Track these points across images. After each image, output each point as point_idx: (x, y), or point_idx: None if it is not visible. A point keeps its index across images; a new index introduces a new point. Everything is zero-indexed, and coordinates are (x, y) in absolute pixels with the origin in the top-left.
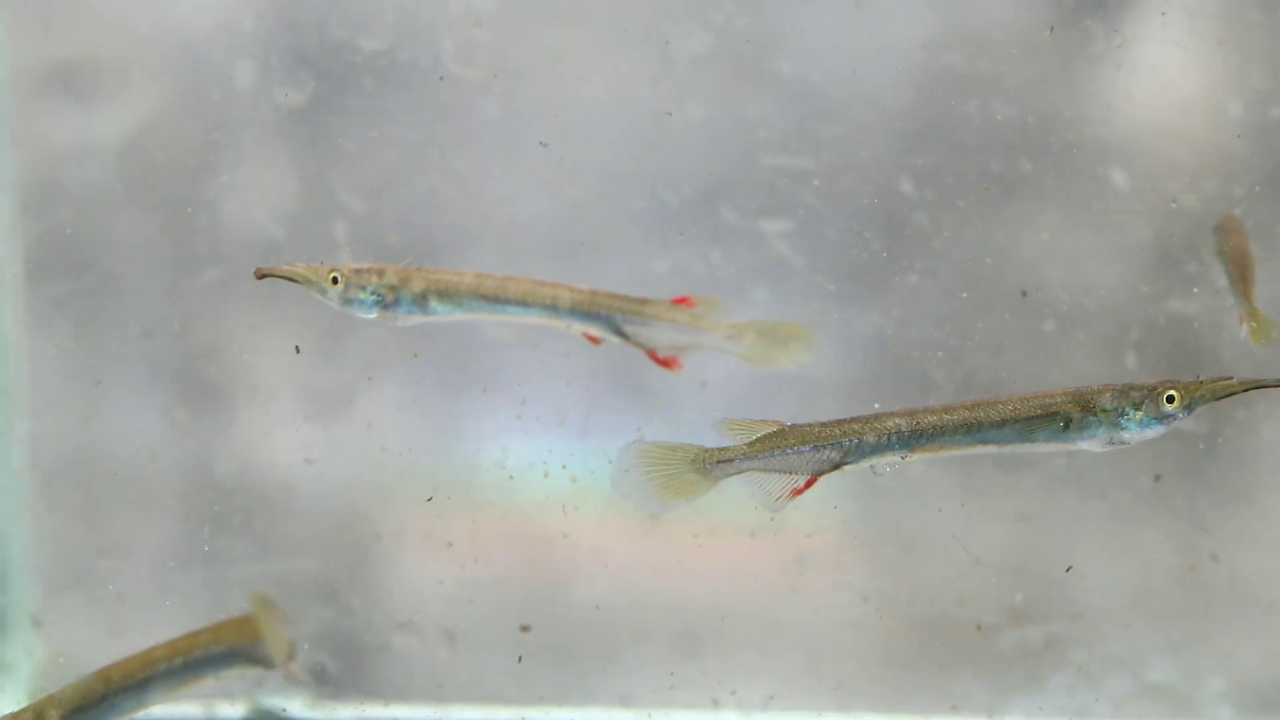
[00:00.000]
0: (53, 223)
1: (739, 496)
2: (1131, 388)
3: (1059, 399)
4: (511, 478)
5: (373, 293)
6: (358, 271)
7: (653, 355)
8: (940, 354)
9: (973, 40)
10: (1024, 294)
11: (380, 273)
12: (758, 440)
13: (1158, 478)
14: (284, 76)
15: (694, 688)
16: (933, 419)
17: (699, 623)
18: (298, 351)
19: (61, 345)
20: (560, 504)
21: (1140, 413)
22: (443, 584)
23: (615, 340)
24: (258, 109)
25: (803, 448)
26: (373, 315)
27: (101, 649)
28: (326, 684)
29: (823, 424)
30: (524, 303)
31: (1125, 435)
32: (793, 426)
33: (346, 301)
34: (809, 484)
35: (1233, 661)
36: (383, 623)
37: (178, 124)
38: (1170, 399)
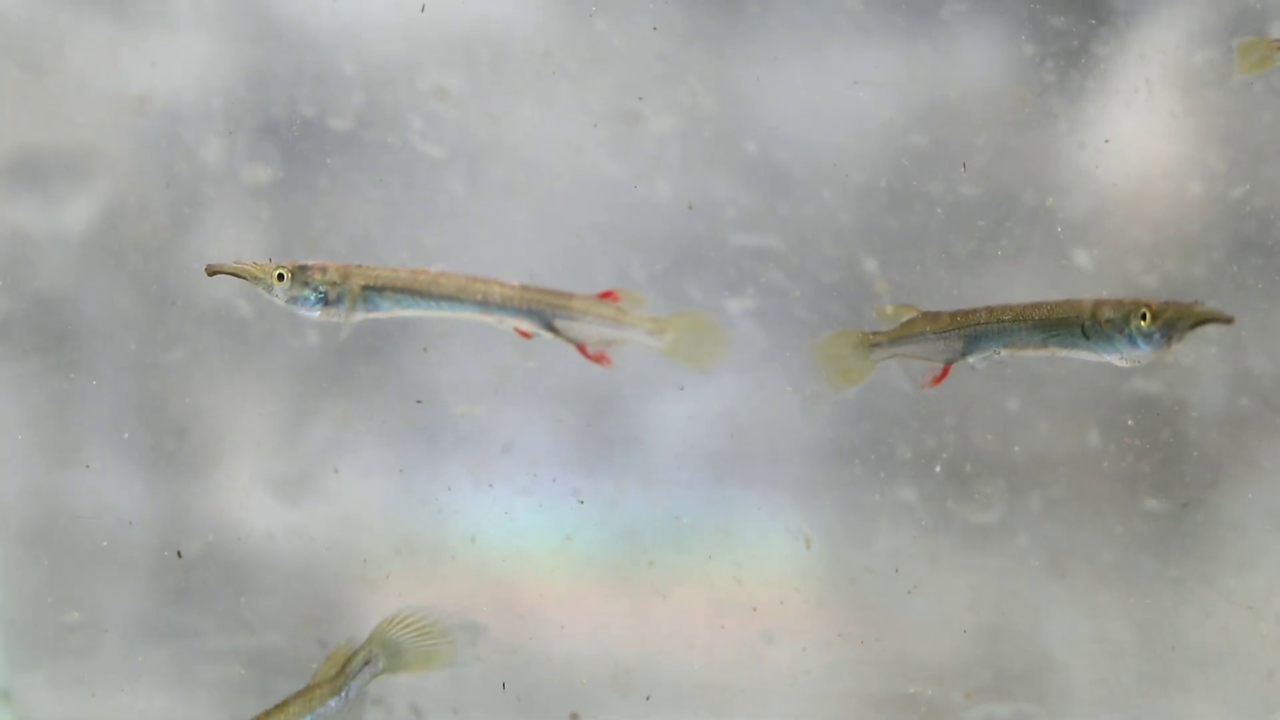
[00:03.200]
0: (23, 299)
1: (706, 568)
2: (1126, 303)
3: (1080, 308)
4: (474, 539)
5: (315, 289)
6: (302, 269)
7: (582, 350)
8: (903, 428)
9: (936, 120)
10: (964, 165)
11: (324, 269)
12: (899, 326)
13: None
14: (252, 154)
15: None
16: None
17: (666, 693)
18: (425, 351)
19: (29, 420)
20: (530, 569)
21: (1129, 327)
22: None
23: (547, 335)
24: (225, 186)
25: (929, 334)
26: (316, 313)
27: None
28: None
29: (950, 313)
30: (458, 298)
31: (1122, 349)
32: (925, 314)
33: (291, 299)
34: (944, 374)
35: None
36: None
37: (146, 201)
38: (1143, 316)
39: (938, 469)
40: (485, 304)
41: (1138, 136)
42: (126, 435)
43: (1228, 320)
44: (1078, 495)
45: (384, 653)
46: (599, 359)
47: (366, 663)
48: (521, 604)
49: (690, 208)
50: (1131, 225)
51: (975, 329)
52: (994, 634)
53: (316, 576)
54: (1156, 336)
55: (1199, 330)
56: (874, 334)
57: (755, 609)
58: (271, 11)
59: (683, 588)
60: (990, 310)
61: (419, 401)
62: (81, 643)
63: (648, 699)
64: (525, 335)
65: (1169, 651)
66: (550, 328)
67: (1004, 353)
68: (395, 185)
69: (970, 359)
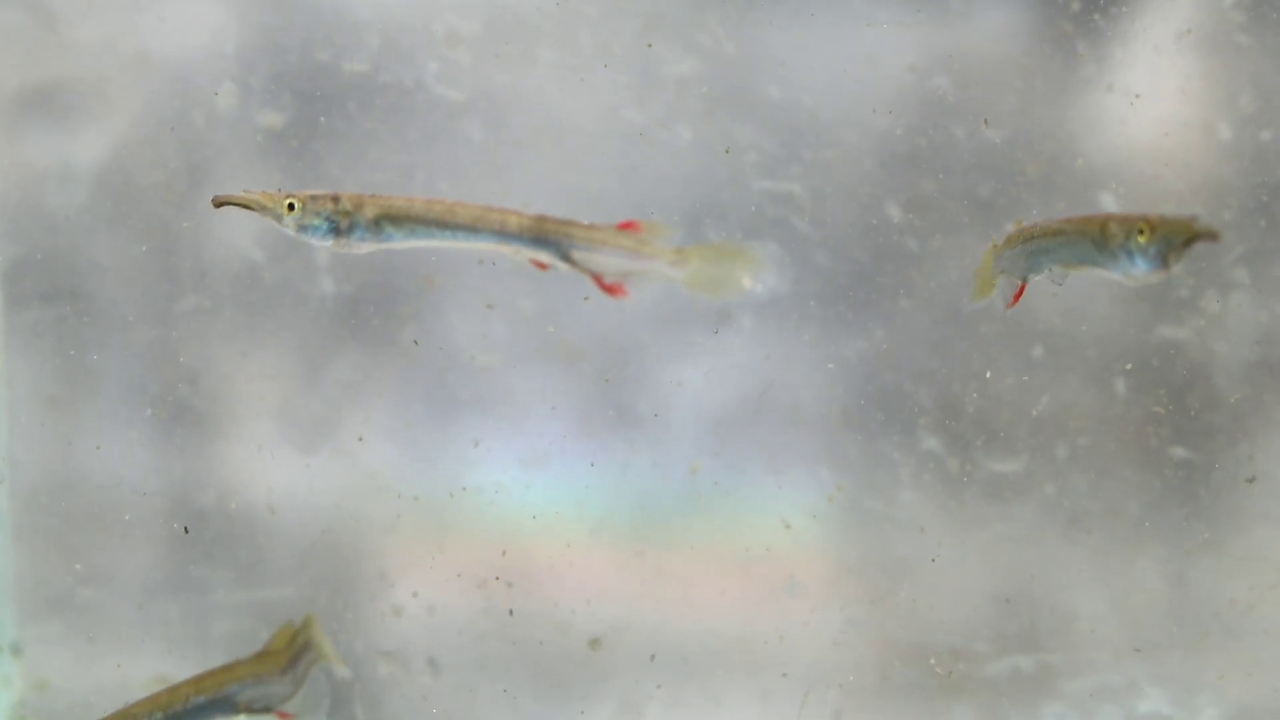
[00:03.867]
0: (31, 247)
1: (734, 526)
2: (1132, 218)
3: (1094, 223)
4: (489, 498)
5: (327, 219)
6: (313, 198)
7: (599, 281)
8: (928, 379)
9: (961, 65)
10: (985, 122)
11: (335, 199)
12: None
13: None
14: (266, 99)
15: (687, 714)
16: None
17: (690, 650)
18: (490, 308)
19: (40, 371)
20: (548, 532)
21: (1129, 242)
22: (430, 613)
23: (563, 267)
24: (240, 132)
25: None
26: (328, 243)
27: (81, 677)
28: None
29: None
30: (474, 228)
31: (1125, 267)
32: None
33: (302, 228)
34: (1018, 293)
35: (1225, 690)
36: (367, 652)
37: (159, 147)
38: (1140, 231)
39: (962, 418)
40: (502, 234)
41: (1165, 80)
42: (138, 387)
43: (1215, 236)
44: (1104, 445)
45: (318, 639)
46: (614, 290)
47: (308, 644)
48: (536, 564)
49: (728, 152)
50: (1160, 169)
51: (1029, 244)
52: (1019, 585)
53: (329, 531)
54: (1153, 253)
55: (1227, 276)
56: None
57: (778, 564)
58: None
59: (702, 544)
60: (1036, 226)
61: (415, 343)
62: (93, 597)
63: (652, 658)
64: (542, 267)
65: (1195, 603)
66: (567, 259)
67: (1058, 270)
68: (412, 130)
69: (1036, 276)
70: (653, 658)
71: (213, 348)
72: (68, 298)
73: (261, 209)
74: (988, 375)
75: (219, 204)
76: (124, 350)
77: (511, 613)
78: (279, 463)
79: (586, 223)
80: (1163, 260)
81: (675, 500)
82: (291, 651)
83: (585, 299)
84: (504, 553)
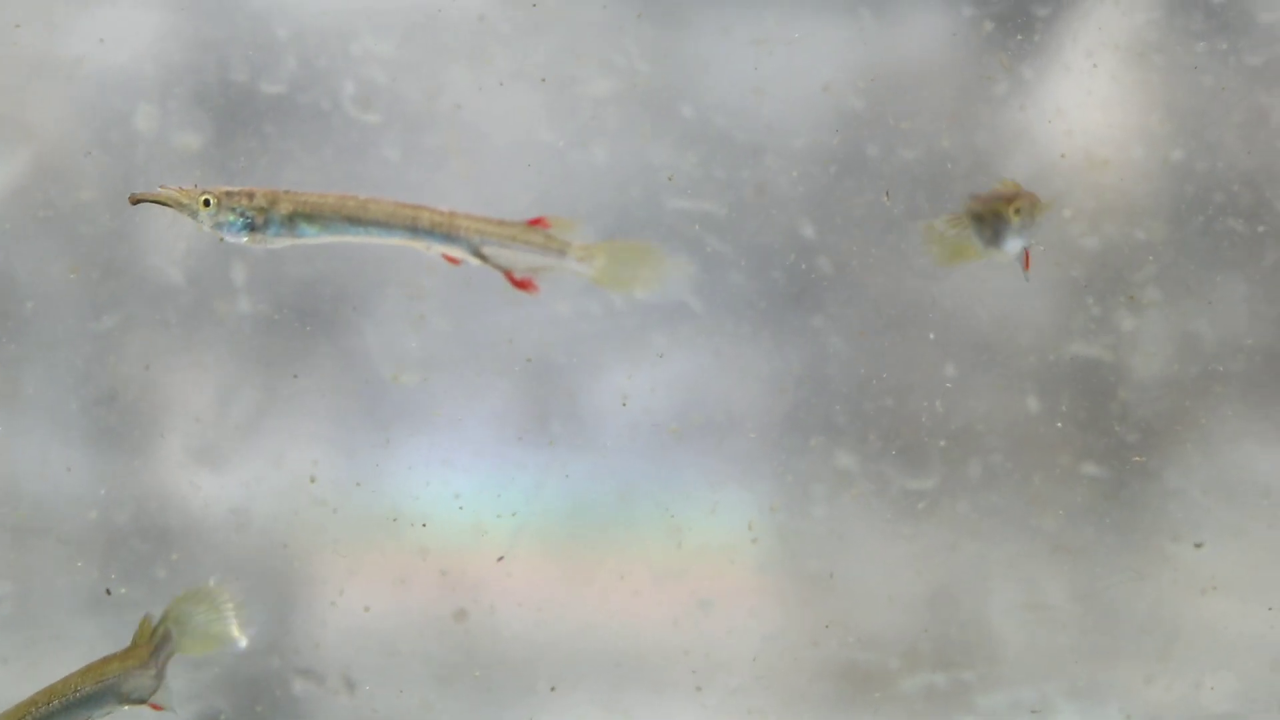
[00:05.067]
0: None
1: (650, 542)
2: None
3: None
4: (425, 525)
5: (242, 215)
6: (229, 194)
7: (509, 276)
8: (842, 397)
9: (877, 84)
10: (886, 195)
11: (250, 195)
12: None
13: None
14: (184, 120)
15: None
16: None
17: (609, 663)
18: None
19: None
20: (476, 544)
21: (1004, 222)
22: (351, 629)
23: (475, 262)
24: (157, 153)
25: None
26: (243, 239)
27: (3, 697)
28: None
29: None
30: (386, 224)
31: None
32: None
33: (217, 225)
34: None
35: (1137, 703)
36: (283, 669)
37: (77, 167)
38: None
39: (876, 436)
40: (414, 230)
41: (1078, 99)
42: (57, 406)
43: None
44: (1016, 461)
45: (177, 629)
46: (525, 285)
47: (165, 638)
48: (459, 574)
49: (671, 179)
50: (1073, 188)
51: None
52: (932, 602)
53: (251, 547)
54: (1016, 226)
55: (1139, 296)
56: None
57: (694, 577)
58: None
59: (623, 558)
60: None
61: (393, 376)
62: (13, 613)
63: (574, 671)
64: (453, 262)
65: (1108, 619)
66: (478, 254)
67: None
68: (329, 151)
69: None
70: (575, 670)
71: (132, 366)
72: None
73: (178, 205)
74: (899, 391)
75: (135, 201)
76: (43, 370)
77: (432, 623)
78: (195, 480)
79: (497, 219)
80: (1027, 234)
81: (592, 514)
82: (152, 645)
83: (522, 360)
84: (430, 565)
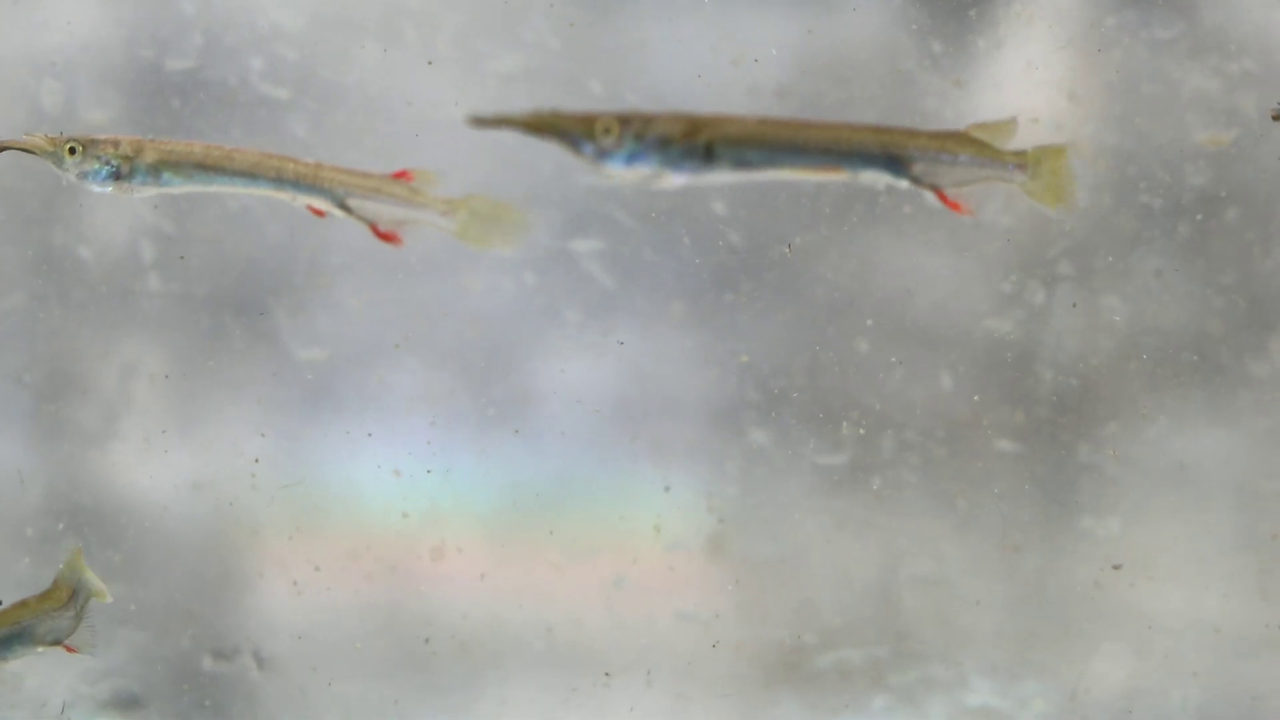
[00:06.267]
0: None
1: (570, 524)
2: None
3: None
4: (358, 507)
5: (107, 163)
6: (94, 142)
7: (374, 229)
8: (752, 372)
9: (791, 61)
10: (789, 248)
11: (115, 144)
12: None
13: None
14: (91, 97)
15: (525, 711)
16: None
17: (525, 645)
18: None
19: None
20: (414, 530)
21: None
22: (261, 609)
23: (339, 214)
24: (65, 129)
25: None
26: (108, 188)
27: None
28: (134, 711)
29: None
30: (251, 174)
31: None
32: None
33: (82, 173)
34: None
35: (1052, 681)
36: (194, 647)
37: None
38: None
39: (788, 412)
40: (278, 180)
41: (991, 75)
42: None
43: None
44: (929, 437)
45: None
46: (389, 238)
47: (80, 581)
48: (382, 560)
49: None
50: None
51: None
52: (847, 578)
53: (194, 536)
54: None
55: (1052, 269)
56: None
57: (607, 557)
58: None
59: (532, 538)
60: None
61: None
62: None
63: (492, 668)
64: (319, 214)
65: (1022, 594)
66: (343, 206)
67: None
68: (236, 128)
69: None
70: (511, 652)
71: (38, 345)
72: None
73: (43, 153)
74: (812, 368)
75: (1, 148)
76: None
77: (349, 606)
78: (107, 461)
79: (361, 171)
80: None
81: (500, 495)
82: (70, 587)
83: (443, 314)
84: (362, 548)
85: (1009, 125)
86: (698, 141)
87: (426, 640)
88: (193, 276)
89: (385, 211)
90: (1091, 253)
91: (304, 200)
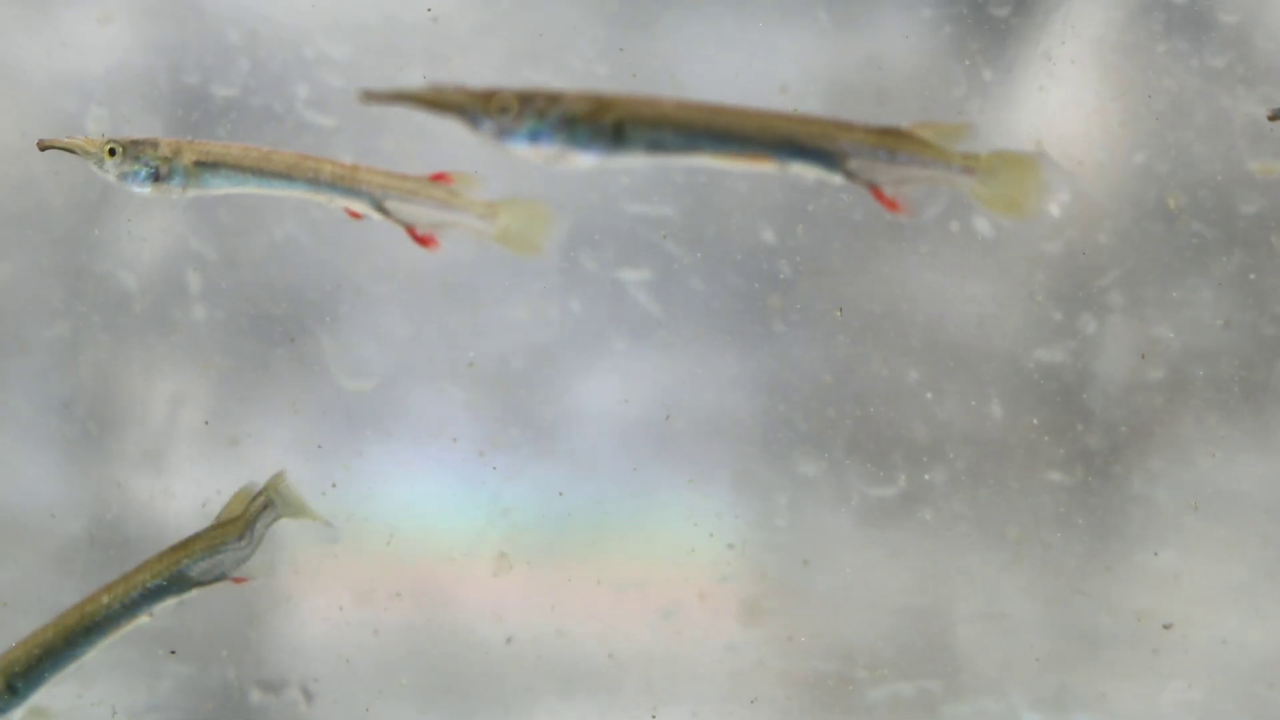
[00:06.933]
0: None
1: (614, 549)
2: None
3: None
4: (391, 533)
5: (146, 164)
6: (134, 143)
7: (411, 232)
8: (802, 404)
9: (836, 85)
10: (839, 311)
11: (154, 145)
12: None
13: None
14: (136, 123)
15: None
16: None
17: (568, 670)
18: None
19: None
20: (439, 552)
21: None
22: (306, 639)
23: (376, 216)
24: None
25: None
26: (147, 189)
27: None
28: None
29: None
30: (289, 176)
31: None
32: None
33: (122, 174)
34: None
35: (1102, 711)
36: (240, 679)
37: (28, 174)
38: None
39: (838, 443)
40: (316, 182)
41: (1038, 103)
42: (9, 412)
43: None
44: (980, 468)
45: (279, 499)
46: (426, 241)
47: (265, 507)
48: (428, 583)
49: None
50: None
51: None
52: (897, 610)
53: None
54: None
55: (1103, 299)
56: None
57: (658, 586)
58: None
59: (578, 566)
60: None
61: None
62: None
63: (534, 678)
64: (355, 216)
65: (1071, 625)
66: (380, 209)
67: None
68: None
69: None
70: (544, 678)
71: (84, 373)
72: None
73: (84, 153)
74: (861, 398)
75: (43, 147)
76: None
77: (387, 633)
78: (150, 486)
79: (400, 173)
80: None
81: (548, 521)
82: (247, 516)
83: (470, 365)
84: (396, 573)
85: (961, 128)
86: (604, 121)
87: (484, 654)
88: (237, 303)
89: (423, 214)
90: (1143, 282)
91: (341, 202)
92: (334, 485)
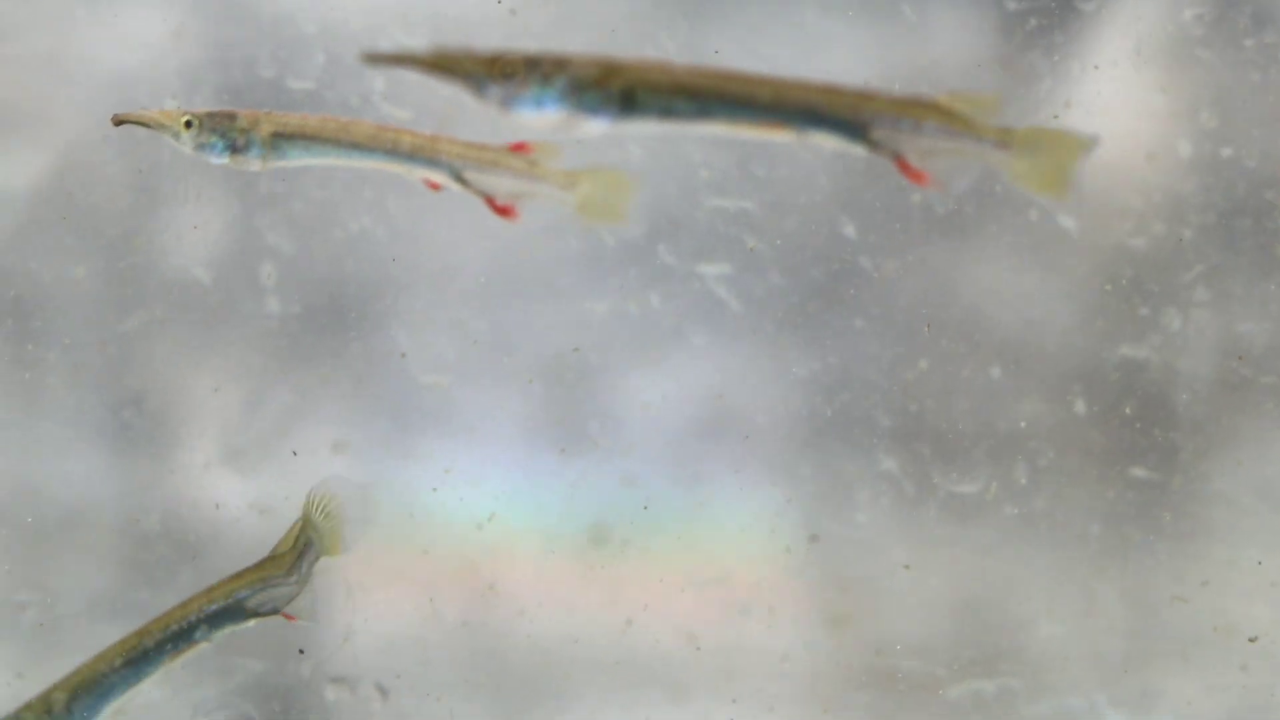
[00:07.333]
0: None
1: (689, 545)
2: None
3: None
4: (439, 514)
5: (223, 136)
6: (210, 115)
7: (490, 202)
8: (884, 399)
9: (915, 81)
10: (928, 327)
11: (231, 116)
12: None
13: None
14: None
15: None
16: None
17: (642, 670)
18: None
19: None
20: (503, 551)
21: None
22: (380, 635)
23: (455, 187)
24: (182, 150)
25: None
26: (224, 160)
27: (20, 701)
28: None
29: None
30: (367, 147)
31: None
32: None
33: (199, 146)
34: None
35: (1186, 711)
36: (315, 676)
37: (102, 166)
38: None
39: (919, 439)
40: (394, 153)
41: (1123, 96)
42: (81, 408)
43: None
44: (1064, 465)
45: (315, 536)
46: (506, 211)
47: (309, 544)
48: (487, 580)
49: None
50: (1119, 186)
51: None
52: (978, 608)
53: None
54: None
55: (1188, 294)
56: None
57: (733, 584)
58: None
59: (659, 563)
60: None
61: (402, 355)
62: (38, 623)
63: (604, 678)
64: (434, 187)
65: (1157, 625)
66: (460, 179)
67: None
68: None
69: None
70: (604, 677)
71: (157, 368)
72: (8, 318)
73: (160, 127)
74: (944, 393)
75: (118, 122)
76: (67, 371)
77: (464, 629)
78: (226, 484)
79: (479, 143)
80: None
81: (629, 518)
82: (295, 552)
83: (555, 358)
84: (461, 570)
85: (991, 99)
86: (612, 87)
87: (541, 650)
88: (311, 297)
89: (502, 185)
90: (1229, 277)
91: (420, 173)
92: (407, 470)
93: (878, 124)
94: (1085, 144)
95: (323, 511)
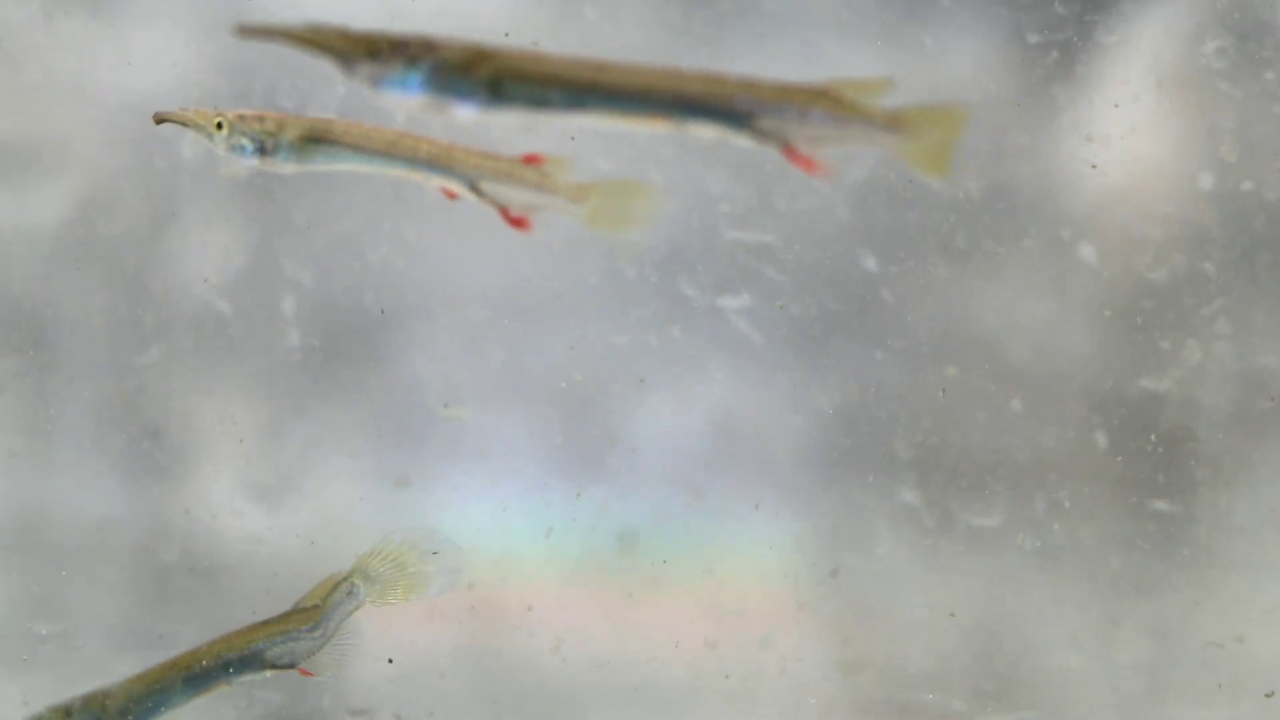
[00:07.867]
0: None
1: (708, 575)
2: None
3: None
4: (473, 559)
5: (253, 138)
6: (241, 118)
7: (505, 213)
8: (904, 431)
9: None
10: (951, 370)
11: (261, 119)
12: None
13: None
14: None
15: None
16: None
17: (659, 700)
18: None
19: (6, 422)
20: (521, 578)
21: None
22: (400, 665)
23: (471, 196)
24: (204, 178)
25: None
26: (254, 162)
27: None
28: None
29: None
30: (388, 154)
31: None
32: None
33: (231, 148)
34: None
35: None
36: (334, 708)
37: (122, 197)
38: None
39: (938, 471)
40: (413, 161)
41: (1145, 128)
42: (100, 440)
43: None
44: (1083, 497)
45: (366, 584)
46: (519, 223)
47: (349, 594)
48: (506, 609)
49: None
50: (1139, 219)
51: None
52: (997, 640)
53: (297, 582)
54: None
55: (1209, 327)
56: None
57: (753, 615)
58: (248, 2)
59: (675, 592)
60: None
61: (445, 406)
62: (56, 653)
63: (619, 705)
64: (451, 195)
65: (1177, 659)
66: (475, 189)
67: None
68: (378, 179)
69: None
70: (623, 708)
71: (177, 400)
72: (29, 349)
73: (194, 126)
74: (963, 426)
75: (159, 120)
76: (87, 403)
77: (481, 660)
78: (244, 515)
79: (494, 154)
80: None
81: (648, 549)
82: (324, 608)
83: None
84: (475, 603)
85: (881, 83)
86: (480, 74)
87: (559, 682)
88: (331, 329)
89: (516, 196)
90: (1249, 310)
91: (437, 181)
92: (407, 509)
93: (762, 113)
94: (964, 114)
95: (395, 563)
